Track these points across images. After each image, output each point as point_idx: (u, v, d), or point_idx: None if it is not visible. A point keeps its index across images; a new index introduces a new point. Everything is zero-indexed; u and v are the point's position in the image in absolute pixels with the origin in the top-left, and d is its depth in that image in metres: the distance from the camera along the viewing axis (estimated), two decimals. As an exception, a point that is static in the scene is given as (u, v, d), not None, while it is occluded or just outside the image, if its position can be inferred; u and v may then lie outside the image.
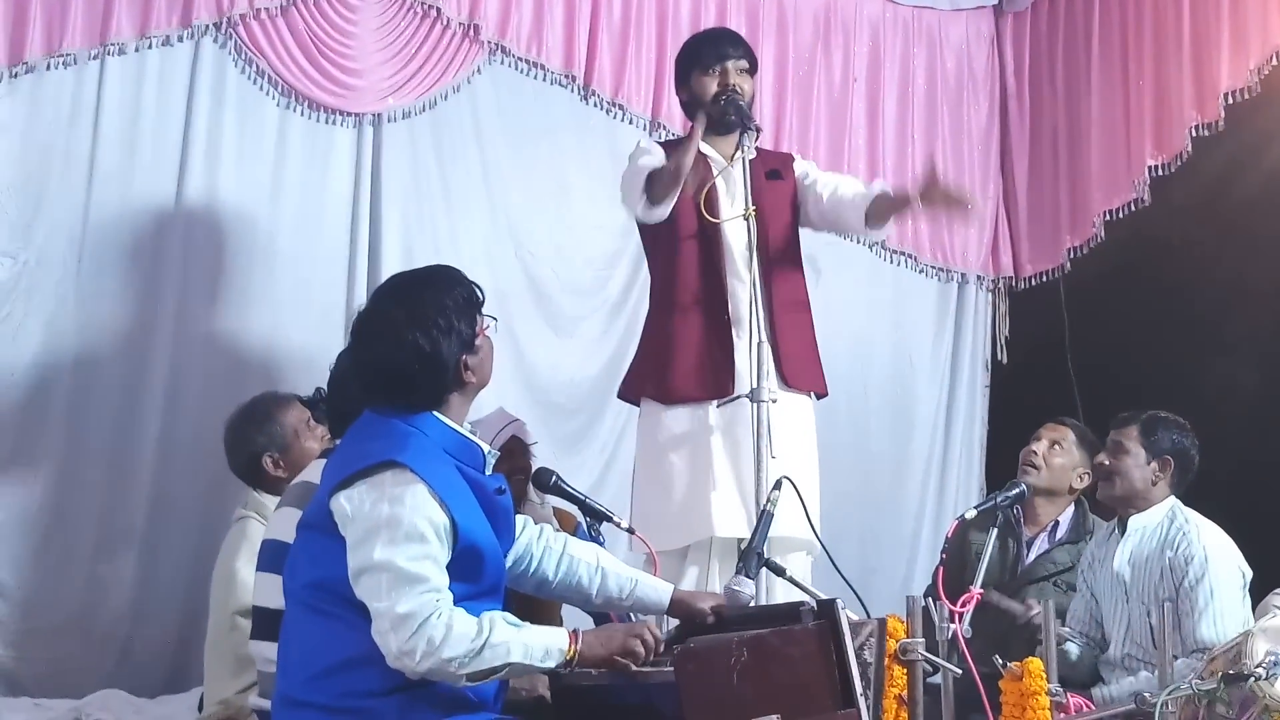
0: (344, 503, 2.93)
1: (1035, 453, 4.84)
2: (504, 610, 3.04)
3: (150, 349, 5.21)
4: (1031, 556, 4.82)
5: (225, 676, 4.05)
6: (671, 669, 2.94)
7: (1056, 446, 4.85)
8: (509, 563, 3.25)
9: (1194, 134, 5.80)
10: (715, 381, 4.51)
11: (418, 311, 3.07)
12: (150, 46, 5.23)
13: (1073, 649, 4.41)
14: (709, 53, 4.69)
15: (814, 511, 3.99)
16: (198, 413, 5.24)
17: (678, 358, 4.56)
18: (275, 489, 4.10)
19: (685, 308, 4.59)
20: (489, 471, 3.12)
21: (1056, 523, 4.86)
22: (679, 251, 4.62)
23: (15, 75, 5.02)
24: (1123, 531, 4.44)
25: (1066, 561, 4.78)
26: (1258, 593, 4.44)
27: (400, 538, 2.88)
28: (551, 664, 2.96)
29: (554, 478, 4.17)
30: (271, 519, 3.69)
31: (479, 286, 3.18)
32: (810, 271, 6.14)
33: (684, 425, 4.54)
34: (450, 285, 3.14)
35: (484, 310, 3.16)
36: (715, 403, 4.49)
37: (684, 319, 4.59)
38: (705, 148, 4.66)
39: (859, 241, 6.42)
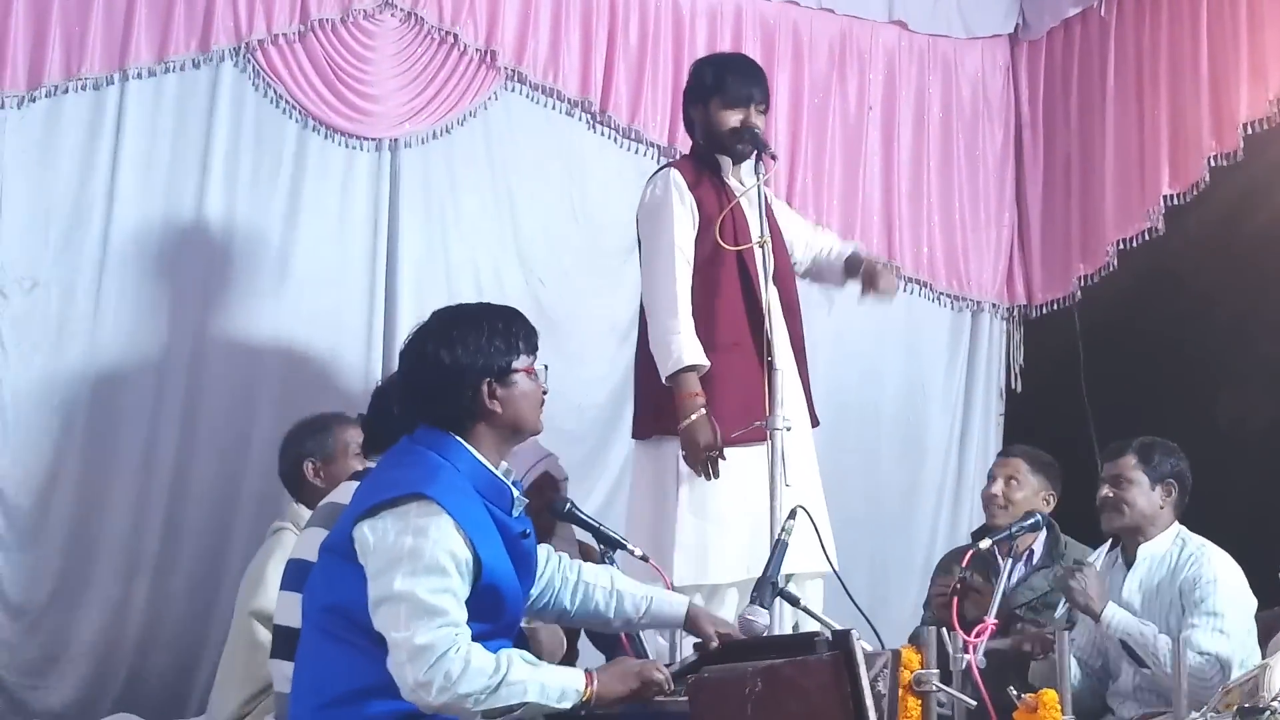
0: (367, 532, 2.93)
1: (995, 494, 4.90)
2: (515, 648, 3.04)
3: (168, 372, 5.22)
4: (1011, 584, 4.83)
5: (233, 682, 4.09)
6: (686, 699, 2.93)
7: (1013, 482, 4.90)
8: (533, 595, 3.26)
9: (1212, 164, 5.79)
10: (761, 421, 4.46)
11: (449, 329, 3.12)
12: (169, 70, 5.25)
13: (1074, 674, 4.38)
14: (737, 89, 4.65)
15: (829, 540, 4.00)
16: (214, 437, 5.26)
17: (726, 399, 4.46)
18: (312, 499, 4.15)
19: (727, 346, 4.51)
20: (516, 514, 3.12)
21: (1031, 550, 4.90)
22: (719, 287, 4.55)
23: (34, 99, 5.04)
24: (1129, 561, 4.43)
25: (1044, 586, 4.82)
26: (1268, 621, 4.45)
27: (421, 569, 2.87)
28: (568, 704, 2.94)
29: (568, 504, 4.17)
30: (300, 538, 3.72)
31: (531, 328, 3.19)
32: (823, 298, 6.18)
33: (733, 463, 4.47)
34: (493, 314, 3.19)
35: (534, 355, 3.17)
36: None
37: (729, 357, 4.50)
38: (730, 180, 4.66)
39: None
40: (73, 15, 5.06)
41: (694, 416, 4.37)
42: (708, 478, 4.40)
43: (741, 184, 4.67)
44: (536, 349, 3.19)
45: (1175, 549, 4.36)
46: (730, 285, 4.57)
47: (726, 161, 4.69)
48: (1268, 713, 3.40)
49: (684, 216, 4.57)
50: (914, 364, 6.60)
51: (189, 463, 5.21)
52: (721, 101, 4.64)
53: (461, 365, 3.08)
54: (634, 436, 4.81)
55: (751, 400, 4.42)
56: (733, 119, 4.62)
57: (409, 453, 3.07)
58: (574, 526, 4.36)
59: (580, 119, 5.93)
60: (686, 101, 4.80)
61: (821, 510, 4.41)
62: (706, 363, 4.43)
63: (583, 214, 5.97)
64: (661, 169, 4.80)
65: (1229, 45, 5.78)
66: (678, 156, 5.86)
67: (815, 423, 4.76)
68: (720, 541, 4.47)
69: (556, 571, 3.31)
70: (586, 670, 3.02)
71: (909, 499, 6.52)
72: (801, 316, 4.77)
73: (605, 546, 4.04)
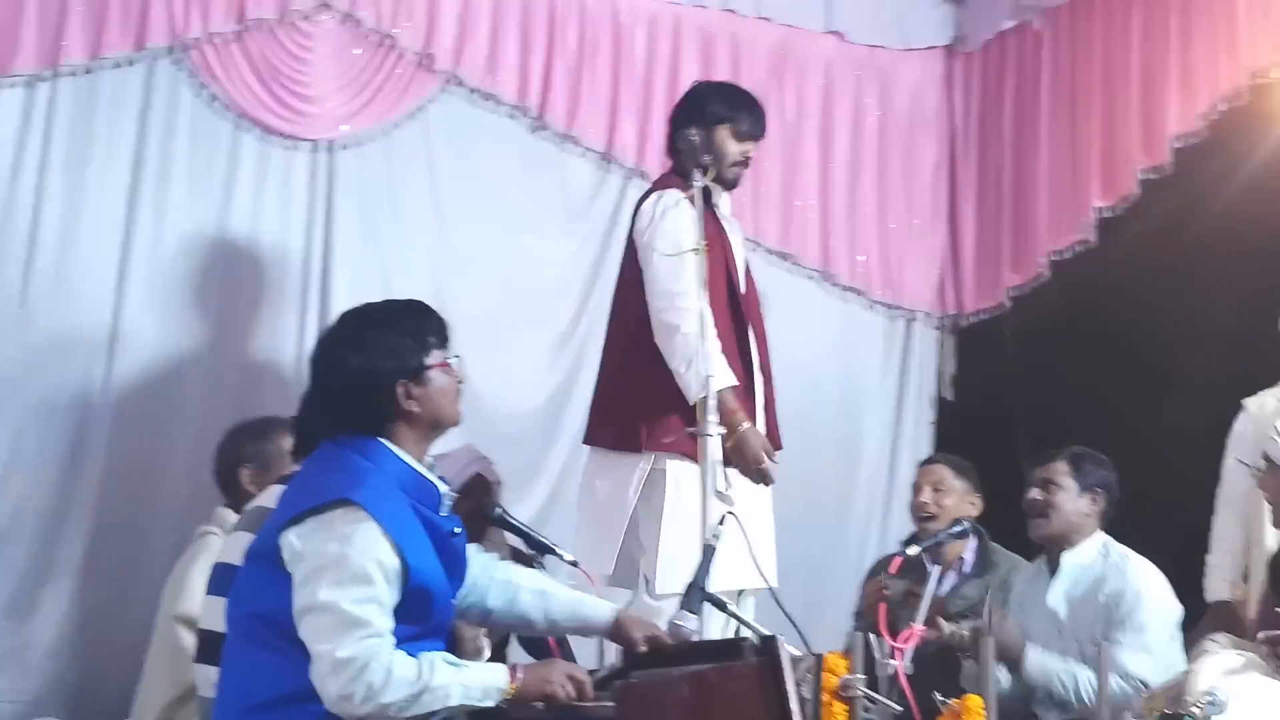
0: (294, 540, 2.90)
1: (925, 502, 4.95)
2: (445, 647, 3.03)
3: (97, 375, 5.17)
4: (943, 593, 4.88)
5: (157, 687, 4.07)
6: (613, 704, 2.94)
7: (940, 489, 4.95)
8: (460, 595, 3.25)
9: (1142, 177, 5.87)
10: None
11: (358, 333, 3.10)
12: (103, 69, 5.21)
13: (1002, 679, 4.41)
14: (749, 124, 4.73)
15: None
16: (145, 441, 5.22)
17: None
18: (242, 504, 4.09)
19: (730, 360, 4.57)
20: (444, 512, 3.10)
21: (962, 559, 4.94)
22: (712, 303, 4.56)
23: (-37, 96, 5.00)
24: (1053, 569, 4.47)
25: (975, 596, 4.83)
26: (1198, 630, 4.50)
27: (347, 579, 2.85)
28: (491, 703, 2.95)
29: (497, 509, 4.17)
30: (225, 542, 3.70)
31: (442, 322, 3.16)
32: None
33: (726, 482, 4.49)
34: (401, 312, 3.16)
35: (446, 347, 3.14)
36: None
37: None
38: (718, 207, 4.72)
39: (808, 277, 6.48)
40: (4, 11, 5.02)
41: (744, 427, 4.47)
42: (766, 484, 4.52)
43: (721, 208, 4.75)
44: (448, 340, 3.16)
45: (1099, 558, 4.40)
46: (719, 302, 4.59)
47: (716, 187, 4.70)
48: (1188, 717, 3.44)
49: (696, 235, 4.55)
50: (849, 372, 6.64)
51: (116, 464, 5.16)
52: (733, 131, 4.69)
53: (375, 369, 3.04)
54: (611, 447, 4.71)
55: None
56: (734, 152, 4.69)
57: (333, 457, 3.04)
58: (506, 532, 4.36)
59: (522, 123, 5.93)
60: (684, 121, 4.75)
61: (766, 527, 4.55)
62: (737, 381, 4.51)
63: (523, 219, 5.96)
64: (661, 187, 4.76)
65: (1160, 61, 5.85)
66: (615, 162, 5.92)
67: (778, 445, 4.82)
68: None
69: (482, 571, 3.30)
70: (511, 665, 3.03)
71: (844, 506, 6.56)
72: (767, 345, 4.83)
73: (535, 551, 4.05)
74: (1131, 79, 5.96)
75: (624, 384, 4.70)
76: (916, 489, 5.07)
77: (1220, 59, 5.65)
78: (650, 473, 4.58)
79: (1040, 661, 4.26)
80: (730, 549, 4.21)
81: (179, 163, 5.36)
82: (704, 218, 4.59)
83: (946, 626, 4.30)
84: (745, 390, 4.59)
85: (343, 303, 5.41)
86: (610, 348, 4.83)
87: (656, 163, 6.01)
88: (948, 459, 5.11)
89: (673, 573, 4.37)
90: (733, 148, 4.70)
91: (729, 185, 4.76)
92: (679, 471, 4.53)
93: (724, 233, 4.71)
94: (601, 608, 3.37)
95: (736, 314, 4.64)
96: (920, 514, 4.97)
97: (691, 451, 4.47)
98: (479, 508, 4.21)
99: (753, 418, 4.57)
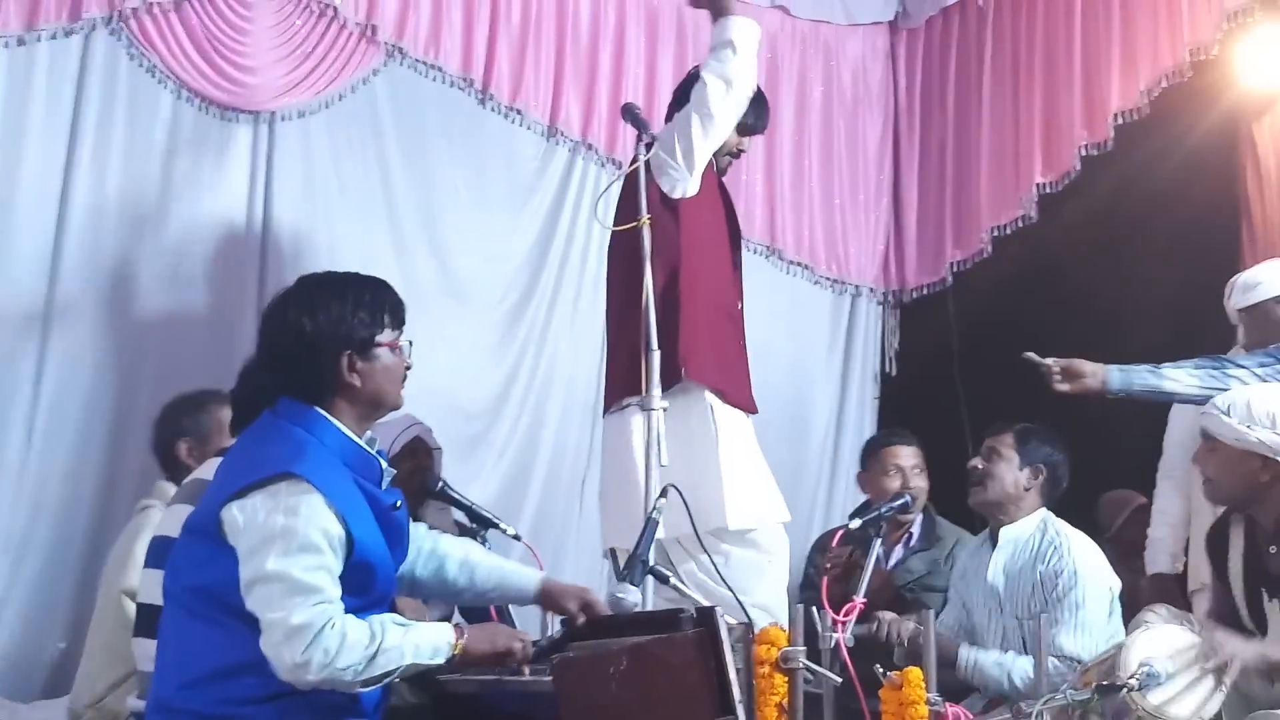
0: (236, 513, 2.89)
1: (922, 486, 4.96)
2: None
3: (34, 347, 5.09)
4: (890, 566, 4.90)
5: (102, 662, 4.04)
6: (551, 678, 2.94)
7: (915, 470, 4.96)
8: None
9: (1083, 153, 5.90)
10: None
11: (312, 295, 3.07)
12: (39, 39, 5.13)
13: None
14: (754, 118, 4.74)
15: None
16: (82, 416, 5.14)
17: (739, 364, 4.59)
18: (182, 478, 4.09)
19: (735, 315, 4.64)
20: (385, 486, 3.09)
21: (910, 533, 4.96)
22: (713, 250, 4.59)
23: (-104, 68, 4.91)
24: (994, 543, 4.50)
25: (922, 569, 4.89)
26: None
27: (295, 549, 2.84)
28: (441, 660, 2.95)
29: (440, 483, 4.16)
30: (165, 514, 3.68)
31: (399, 303, 3.13)
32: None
33: (741, 424, 4.58)
34: (360, 285, 3.13)
35: (400, 329, 3.11)
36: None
37: (734, 326, 4.63)
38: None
39: (755, 251, 6.48)
40: (-63, -20, 4.94)
41: None
42: None
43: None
44: (403, 323, 3.14)
45: (1038, 534, 4.41)
46: (722, 267, 4.63)
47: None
48: (1124, 690, 3.48)
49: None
50: (797, 347, 6.66)
51: (54, 443, 5.08)
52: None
53: (322, 334, 3.02)
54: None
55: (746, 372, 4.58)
56: (735, 143, 4.70)
57: (273, 428, 3.02)
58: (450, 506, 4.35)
59: (470, 93, 5.89)
60: (687, 100, 4.68)
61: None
62: None
63: (470, 192, 5.93)
64: None
65: (1101, 37, 5.90)
66: (560, 134, 5.90)
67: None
68: (766, 483, 4.56)
69: (411, 541, 3.29)
70: (456, 624, 3.03)
71: (791, 481, 6.52)
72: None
73: (478, 525, 4.04)
74: (1073, 55, 6.01)
75: (660, 320, 4.46)
76: (896, 471, 5.04)
77: (1161, 36, 5.70)
78: (691, 406, 4.50)
79: (972, 659, 4.29)
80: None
81: (117, 134, 5.27)
82: (711, 184, 4.60)
83: (886, 616, 4.32)
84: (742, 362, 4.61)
85: (285, 277, 5.39)
86: (618, 309, 4.70)
87: (602, 136, 6.04)
88: (909, 436, 5.11)
89: (745, 506, 4.36)
90: (730, 138, 4.68)
91: (718, 173, 4.73)
92: (718, 404, 4.53)
93: (725, 203, 4.70)
94: (525, 578, 3.35)
95: (738, 285, 4.67)
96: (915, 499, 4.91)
97: (724, 388, 4.51)
98: (419, 475, 4.19)
99: (748, 382, 4.62)
